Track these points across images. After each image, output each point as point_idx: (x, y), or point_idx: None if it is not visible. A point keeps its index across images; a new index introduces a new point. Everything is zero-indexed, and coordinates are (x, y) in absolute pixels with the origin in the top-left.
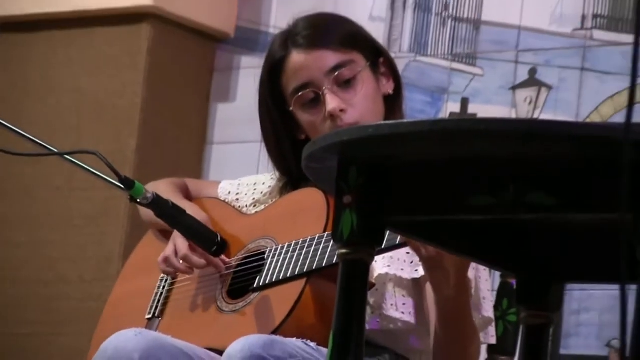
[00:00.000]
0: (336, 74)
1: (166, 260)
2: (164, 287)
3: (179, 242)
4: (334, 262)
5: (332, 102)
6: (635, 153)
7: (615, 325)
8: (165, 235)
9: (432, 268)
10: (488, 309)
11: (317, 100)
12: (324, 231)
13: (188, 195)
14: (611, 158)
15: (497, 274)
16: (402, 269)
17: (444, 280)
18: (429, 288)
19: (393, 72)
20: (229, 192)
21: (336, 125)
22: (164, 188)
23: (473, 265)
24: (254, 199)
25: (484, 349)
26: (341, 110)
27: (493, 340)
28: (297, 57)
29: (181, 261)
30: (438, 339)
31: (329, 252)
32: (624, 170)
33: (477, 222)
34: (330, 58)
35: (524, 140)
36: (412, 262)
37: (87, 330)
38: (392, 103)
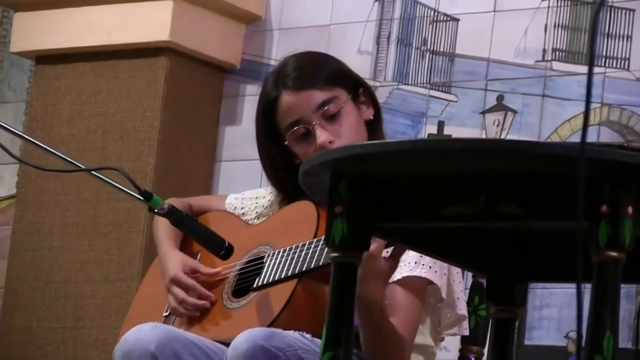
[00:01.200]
0: (323, 110)
1: (174, 310)
2: None
3: (173, 290)
4: (321, 264)
5: (321, 136)
6: (589, 168)
7: (572, 319)
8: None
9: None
10: (462, 308)
11: (309, 134)
12: (314, 237)
13: (192, 214)
14: (569, 173)
15: (470, 274)
16: None
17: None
18: (399, 290)
19: (372, 100)
20: (235, 207)
21: None
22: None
23: (445, 270)
24: (257, 212)
25: (457, 340)
26: (330, 142)
27: (467, 332)
28: (287, 98)
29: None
30: (360, 333)
31: (317, 255)
32: (580, 183)
33: (452, 229)
34: (316, 96)
35: (494, 157)
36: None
37: (111, 324)
38: (374, 127)
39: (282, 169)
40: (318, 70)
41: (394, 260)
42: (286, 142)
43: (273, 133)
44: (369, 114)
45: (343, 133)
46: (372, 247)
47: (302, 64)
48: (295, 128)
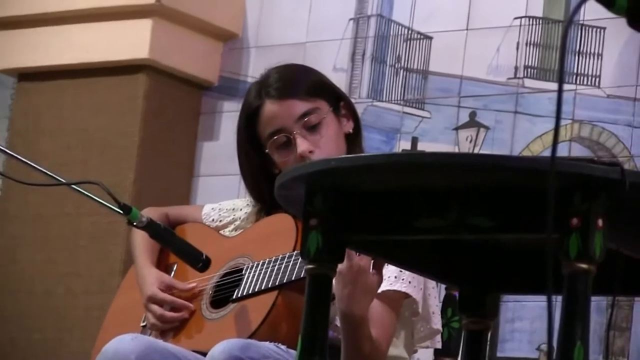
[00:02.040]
0: (304, 120)
1: (154, 326)
2: None
3: (151, 308)
4: (302, 276)
5: (301, 145)
6: (559, 181)
7: (544, 332)
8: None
9: (338, 282)
10: (437, 322)
11: (289, 143)
12: (293, 250)
13: (167, 224)
14: (540, 186)
15: (443, 286)
16: None
17: (345, 296)
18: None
19: (353, 114)
20: (213, 220)
21: None
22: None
23: (422, 285)
24: (234, 225)
25: (431, 352)
26: (310, 152)
27: (439, 345)
28: (270, 107)
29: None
30: (342, 351)
31: (297, 268)
32: (550, 196)
33: (426, 242)
34: (298, 107)
35: (465, 171)
36: None
37: (92, 336)
38: (353, 140)
39: (261, 178)
40: (301, 81)
41: (379, 275)
42: (267, 150)
43: (254, 142)
44: (349, 127)
45: (323, 144)
46: (362, 262)
47: (285, 75)
48: (277, 137)
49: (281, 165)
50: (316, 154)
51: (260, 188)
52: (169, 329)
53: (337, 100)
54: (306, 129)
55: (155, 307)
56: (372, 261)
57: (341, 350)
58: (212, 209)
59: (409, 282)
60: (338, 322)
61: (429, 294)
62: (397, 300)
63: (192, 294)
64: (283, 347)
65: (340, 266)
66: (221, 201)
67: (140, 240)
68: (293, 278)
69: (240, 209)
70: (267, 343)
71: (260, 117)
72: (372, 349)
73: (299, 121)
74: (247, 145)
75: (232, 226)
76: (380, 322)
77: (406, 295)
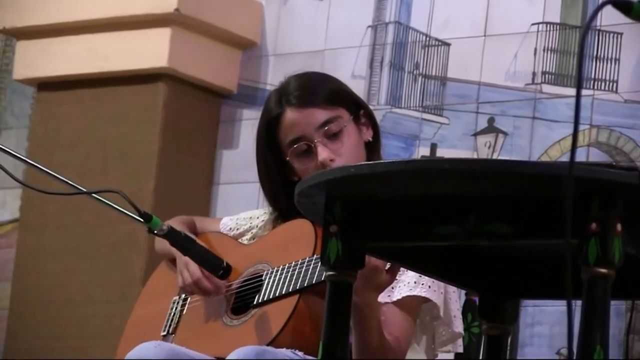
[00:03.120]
0: (325, 128)
1: (187, 287)
2: (176, 308)
3: (191, 268)
4: (322, 279)
5: (322, 153)
6: (577, 187)
7: (563, 336)
8: (175, 266)
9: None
10: (458, 325)
11: (310, 151)
12: (313, 254)
13: (195, 231)
14: (558, 192)
15: (463, 292)
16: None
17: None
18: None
19: (372, 122)
20: (230, 228)
21: None
22: (176, 224)
23: (442, 289)
24: (251, 233)
25: (451, 357)
26: (331, 160)
27: (461, 349)
28: (291, 115)
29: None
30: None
31: (318, 272)
32: (568, 202)
33: (444, 248)
34: (319, 115)
35: (483, 177)
36: (391, 288)
37: (112, 345)
38: (372, 148)
39: (279, 185)
40: (321, 89)
41: (392, 276)
42: (287, 158)
43: (274, 149)
44: (368, 135)
45: (344, 152)
46: (377, 262)
47: (305, 83)
48: (297, 145)
49: (301, 173)
50: (337, 162)
51: (277, 195)
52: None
53: (357, 109)
54: (327, 137)
55: (194, 268)
56: (389, 264)
57: (353, 349)
58: (230, 219)
59: (429, 287)
60: None
61: (449, 297)
62: (415, 305)
63: (215, 299)
64: (300, 353)
65: None
66: (241, 210)
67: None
68: (314, 281)
69: (258, 217)
70: (283, 350)
71: (280, 125)
72: (381, 344)
73: (320, 129)
74: (267, 152)
75: (250, 234)
76: (398, 326)
77: (425, 300)
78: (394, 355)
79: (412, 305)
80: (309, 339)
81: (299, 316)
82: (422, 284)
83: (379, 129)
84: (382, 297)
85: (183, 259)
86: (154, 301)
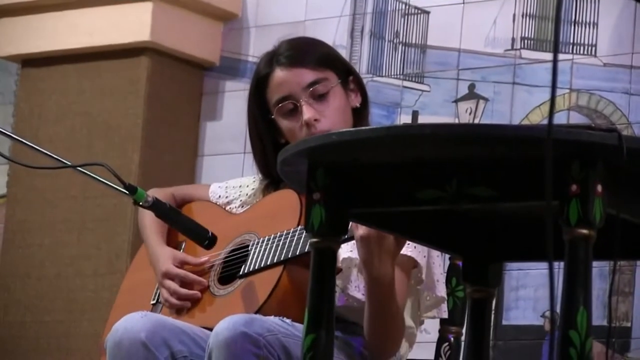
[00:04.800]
0: (312, 89)
1: (168, 302)
2: None
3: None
4: (306, 250)
5: (307, 113)
6: (557, 149)
7: (548, 299)
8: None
9: (363, 247)
10: (441, 290)
11: (296, 111)
12: (298, 225)
13: (175, 204)
14: (538, 154)
15: (447, 256)
16: None
17: (370, 259)
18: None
19: (361, 89)
20: (219, 196)
21: (311, 132)
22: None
23: (425, 253)
24: (241, 200)
25: (436, 322)
26: (315, 120)
27: (446, 315)
28: (279, 74)
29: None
30: (365, 315)
31: (302, 243)
32: (548, 164)
33: (428, 213)
34: (307, 75)
35: (464, 141)
36: None
37: (102, 317)
38: (360, 115)
39: (269, 149)
40: (311, 51)
41: (401, 239)
42: (273, 116)
43: (262, 108)
44: (356, 101)
45: (329, 113)
46: (366, 230)
47: (296, 45)
48: (283, 104)
49: (287, 132)
50: (321, 123)
51: (267, 159)
52: (181, 307)
53: (347, 74)
54: (313, 97)
55: (169, 283)
56: None
57: (365, 313)
58: (219, 187)
59: (414, 247)
60: (351, 291)
61: (433, 262)
62: (406, 266)
63: (202, 270)
64: (288, 320)
65: (360, 231)
66: (226, 180)
67: (150, 220)
68: (298, 253)
69: (247, 186)
70: (272, 317)
71: (269, 83)
72: (397, 310)
73: (307, 89)
74: (256, 111)
75: (239, 202)
76: (396, 287)
77: (414, 263)
78: (401, 315)
79: (404, 264)
80: (295, 307)
81: (284, 286)
82: (408, 244)
83: (367, 96)
84: None
85: (160, 269)
86: (144, 270)
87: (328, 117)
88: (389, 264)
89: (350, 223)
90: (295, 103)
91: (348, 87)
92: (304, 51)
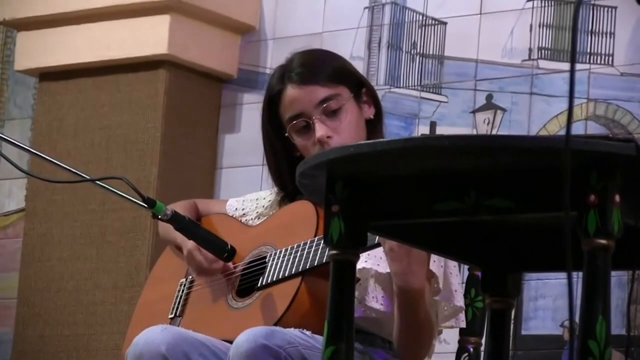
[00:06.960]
0: (324, 105)
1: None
2: (182, 291)
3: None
4: (324, 261)
5: (320, 130)
6: (575, 159)
7: (567, 309)
8: (181, 250)
9: (393, 260)
10: (459, 299)
11: (308, 128)
12: (315, 236)
13: (197, 214)
14: (556, 165)
15: (466, 267)
16: (378, 264)
17: (401, 272)
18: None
19: (374, 100)
20: (236, 209)
21: (323, 149)
22: (178, 209)
23: (442, 262)
24: (257, 212)
25: (456, 332)
26: (328, 137)
27: (463, 325)
28: (291, 91)
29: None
30: (396, 324)
31: (320, 253)
32: (566, 175)
33: (446, 224)
34: (319, 92)
35: (482, 153)
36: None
37: (121, 331)
38: (374, 126)
39: (283, 162)
40: (323, 67)
41: None
42: (286, 134)
43: (276, 125)
44: (369, 113)
45: (342, 129)
46: (393, 243)
47: (307, 60)
48: (296, 121)
49: (301, 149)
50: (334, 140)
51: (282, 173)
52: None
53: (359, 87)
54: (326, 114)
55: (205, 253)
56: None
57: (395, 324)
58: (236, 200)
59: (430, 256)
60: (369, 302)
61: (450, 272)
62: (427, 276)
63: (220, 281)
64: (308, 332)
65: (389, 243)
66: (243, 193)
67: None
68: (316, 263)
69: (264, 198)
70: (292, 329)
71: (281, 101)
72: (426, 315)
73: (319, 106)
74: (269, 128)
75: (255, 213)
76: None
77: (431, 274)
78: (431, 323)
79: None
80: (314, 318)
81: (302, 298)
82: None
83: (381, 107)
84: (386, 268)
85: (187, 246)
86: (162, 284)
87: (341, 133)
88: (421, 274)
89: (377, 237)
90: (308, 120)
91: (361, 99)
92: (316, 67)
